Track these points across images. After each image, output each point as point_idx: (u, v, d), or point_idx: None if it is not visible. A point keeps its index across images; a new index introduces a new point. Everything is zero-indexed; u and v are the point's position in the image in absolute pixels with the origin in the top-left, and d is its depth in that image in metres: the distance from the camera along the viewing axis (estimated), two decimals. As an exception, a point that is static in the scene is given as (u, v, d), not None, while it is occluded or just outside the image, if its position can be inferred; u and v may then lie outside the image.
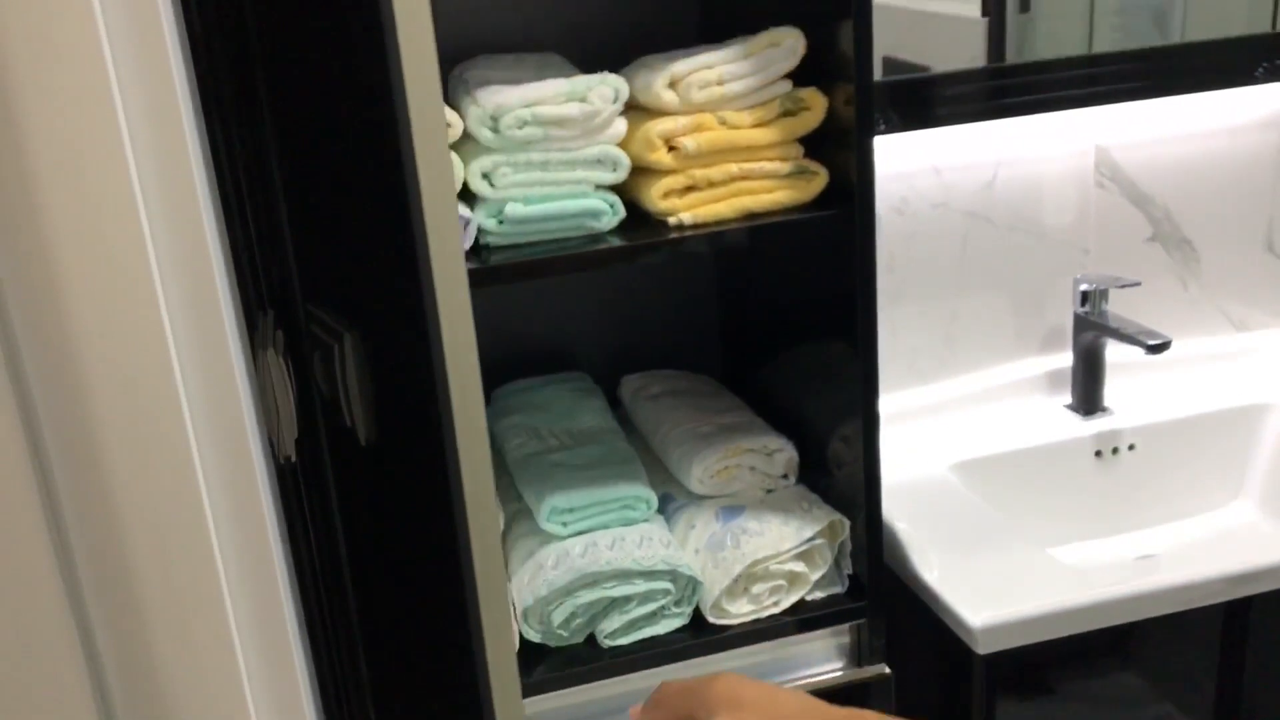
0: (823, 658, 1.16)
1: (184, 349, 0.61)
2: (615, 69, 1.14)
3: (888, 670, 1.15)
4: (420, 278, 0.70)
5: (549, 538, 1.11)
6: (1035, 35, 1.51)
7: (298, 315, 0.88)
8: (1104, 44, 1.51)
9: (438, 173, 0.70)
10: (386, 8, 0.66)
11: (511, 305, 1.33)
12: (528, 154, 1.00)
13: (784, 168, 1.05)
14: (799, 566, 1.11)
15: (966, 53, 1.48)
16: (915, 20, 1.47)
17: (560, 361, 1.37)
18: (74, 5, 0.54)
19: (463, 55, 1.19)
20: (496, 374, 1.34)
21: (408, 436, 0.79)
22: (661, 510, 1.17)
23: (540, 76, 1.07)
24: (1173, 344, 1.33)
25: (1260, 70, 1.43)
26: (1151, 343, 1.33)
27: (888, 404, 1.25)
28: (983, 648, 1.10)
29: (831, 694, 1.15)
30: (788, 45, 1.04)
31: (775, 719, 0.56)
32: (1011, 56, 1.50)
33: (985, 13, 1.48)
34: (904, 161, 1.38)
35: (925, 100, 1.37)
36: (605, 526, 1.12)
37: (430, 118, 0.69)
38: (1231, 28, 1.52)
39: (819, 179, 1.06)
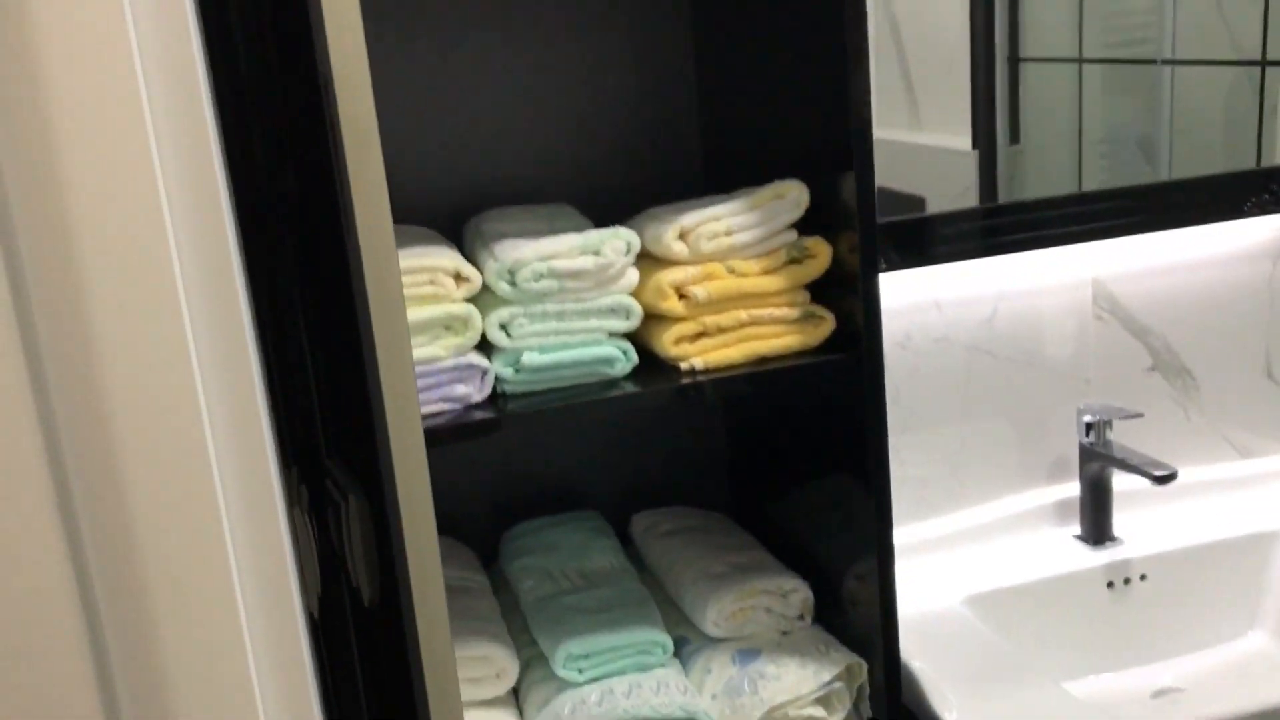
0: (844, 804, 1.14)
1: (234, 510, 0.62)
2: (623, 217, 1.18)
3: (910, 816, 1.13)
4: (379, 451, 0.73)
5: (564, 684, 1.11)
6: (1026, 166, 1.56)
7: (320, 471, 0.89)
8: (1092, 172, 1.56)
9: (396, 348, 0.73)
10: (346, 202, 0.70)
11: (522, 443, 1.35)
12: (543, 305, 1.03)
13: (792, 313, 1.08)
14: (818, 711, 1.10)
15: (959, 183, 1.53)
16: (907, 152, 1.52)
17: (570, 497, 1.38)
18: (142, 197, 0.57)
19: (478, 206, 1.23)
20: (507, 513, 1.35)
21: (385, 601, 0.80)
22: (677, 653, 1.16)
23: (552, 227, 1.11)
24: (1179, 474, 1.34)
25: (1249, 205, 1.48)
26: (1158, 474, 1.34)
27: (897, 536, 1.25)
28: (1006, 792, 1.08)
29: (854, 842, 1.13)
30: (792, 197, 1.08)
31: None
32: (1003, 187, 1.54)
33: (976, 145, 1.54)
34: (906, 297, 1.41)
35: (924, 239, 1.41)
36: (621, 672, 1.11)
37: (388, 296, 0.72)
38: (1215, 155, 1.57)
39: (826, 324, 1.09)
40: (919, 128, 1.53)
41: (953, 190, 1.52)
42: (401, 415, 0.74)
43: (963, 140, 1.53)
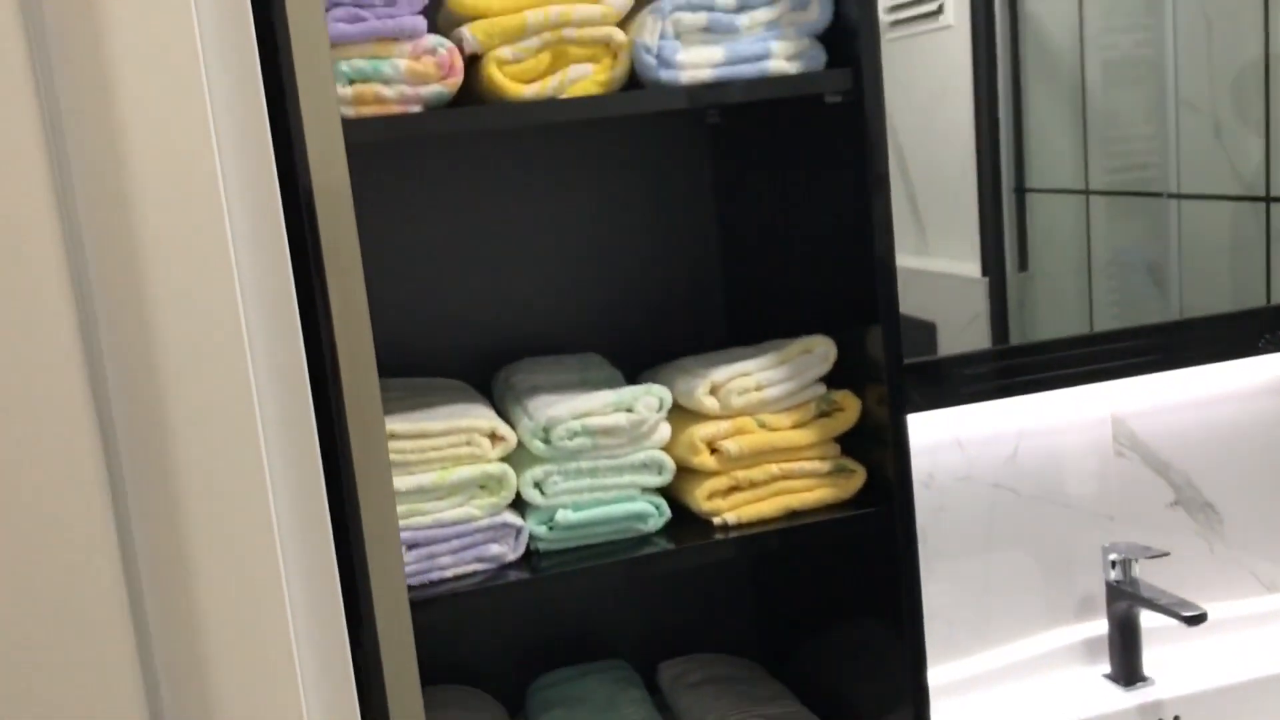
0: None
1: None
2: (648, 364, 1.20)
3: None
4: (364, 628, 0.73)
5: (597, 845, 1.08)
6: (1036, 292, 1.58)
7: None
8: (1103, 295, 1.58)
9: (382, 514, 0.74)
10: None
11: (548, 592, 1.34)
12: (577, 462, 1.04)
13: (823, 466, 1.09)
14: None
15: (970, 309, 1.55)
16: (916, 278, 1.53)
17: (597, 643, 1.36)
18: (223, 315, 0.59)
19: (506, 354, 1.24)
20: (533, 661, 1.33)
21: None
22: (710, 810, 1.14)
23: (583, 378, 1.12)
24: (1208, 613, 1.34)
25: (1262, 342, 1.50)
26: (1187, 614, 1.33)
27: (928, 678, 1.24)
28: None
29: None
30: (819, 352, 1.09)
31: None
32: (1014, 314, 1.56)
33: (985, 272, 1.56)
34: (928, 436, 1.42)
35: (943, 381, 1.42)
36: (655, 832, 1.09)
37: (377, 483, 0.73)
38: (1223, 282, 1.59)
39: (857, 476, 1.09)
40: (927, 254, 1.55)
41: (963, 316, 1.54)
42: (388, 592, 0.75)
43: (971, 267, 1.55)
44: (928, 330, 1.50)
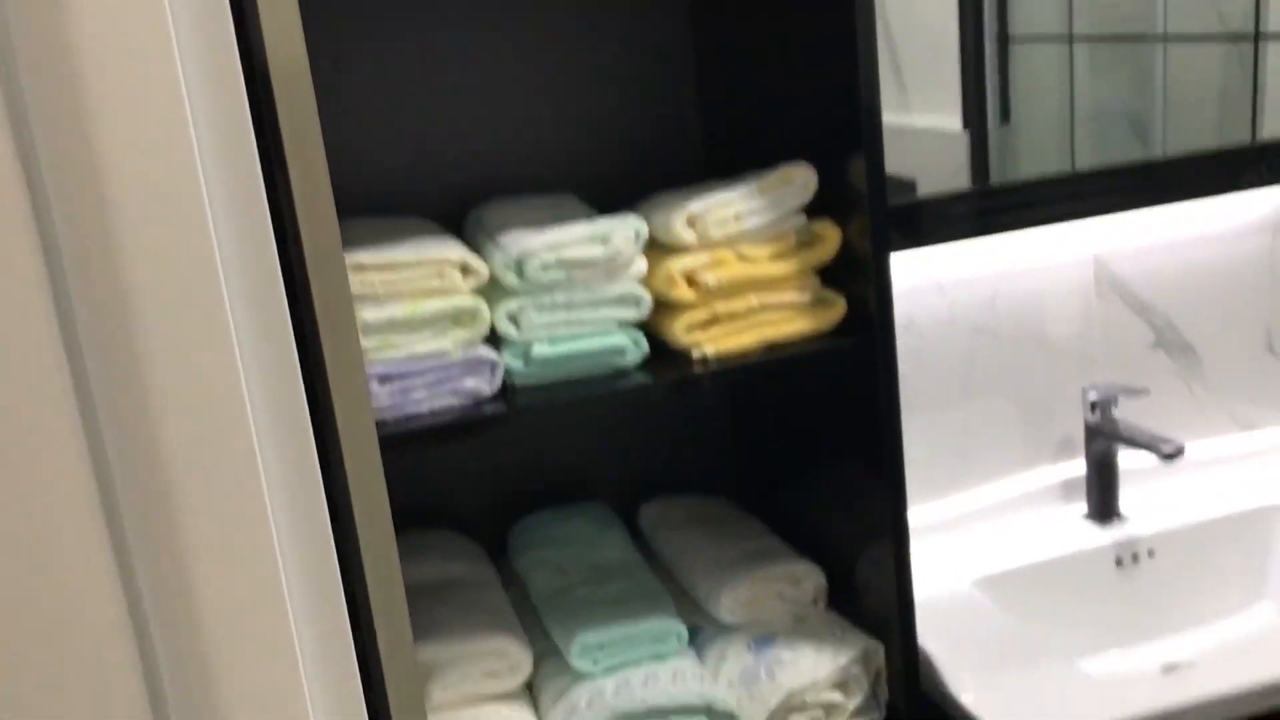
0: (863, 789, 1.14)
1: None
2: (624, 204, 1.17)
3: (929, 799, 1.13)
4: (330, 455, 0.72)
5: (579, 676, 1.10)
6: (1017, 145, 1.55)
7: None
8: (1085, 148, 1.55)
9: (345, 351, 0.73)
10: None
11: (529, 433, 1.34)
12: (552, 295, 1.02)
13: (803, 298, 1.07)
14: (836, 696, 1.10)
15: (950, 164, 1.52)
16: (896, 135, 1.49)
17: (577, 486, 1.36)
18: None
19: (477, 197, 1.21)
20: (513, 504, 1.34)
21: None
22: (691, 642, 1.15)
23: (556, 217, 1.09)
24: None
25: (1245, 178, 1.48)
26: (1166, 450, 1.34)
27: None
28: (1025, 772, 1.08)
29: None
30: (799, 182, 1.07)
31: None
32: (995, 167, 1.53)
33: (966, 125, 1.53)
34: (908, 280, 1.41)
35: (923, 220, 1.40)
36: (636, 662, 1.10)
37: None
38: (1208, 129, 1.56)
39: (837, 307, 1.08)
40: (908, 110, 1.51)
41: (944, 171, 1.51)
42: (353, 418, 0.74)
43: (952, 121, 1.52)
44: (908, 187, 1.47)
